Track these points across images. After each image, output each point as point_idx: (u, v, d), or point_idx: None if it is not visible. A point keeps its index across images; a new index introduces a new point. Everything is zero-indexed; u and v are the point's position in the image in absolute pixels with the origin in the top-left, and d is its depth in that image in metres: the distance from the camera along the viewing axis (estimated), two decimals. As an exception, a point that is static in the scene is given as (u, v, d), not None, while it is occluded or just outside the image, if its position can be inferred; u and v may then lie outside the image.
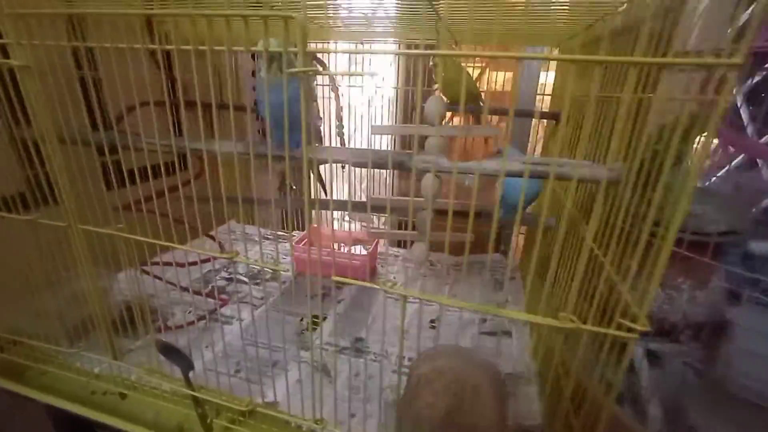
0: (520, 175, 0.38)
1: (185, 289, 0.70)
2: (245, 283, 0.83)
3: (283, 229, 1.12)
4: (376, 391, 0.55)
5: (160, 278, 0.65)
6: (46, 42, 0.36)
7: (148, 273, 0.69)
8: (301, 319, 0.71)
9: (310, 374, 0.57)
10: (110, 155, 0.44)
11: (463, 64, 0.70)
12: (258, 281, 0.84)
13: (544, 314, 0.34)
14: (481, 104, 0.74)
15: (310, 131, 0.48)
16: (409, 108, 1.07)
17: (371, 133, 0.50)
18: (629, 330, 0.29)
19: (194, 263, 0.74)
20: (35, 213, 0.46)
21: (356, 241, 0.92)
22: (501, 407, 0.42)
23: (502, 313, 0.37)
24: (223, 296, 0.75)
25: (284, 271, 0.40)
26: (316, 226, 0.97)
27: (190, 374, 0.45)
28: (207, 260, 0.81)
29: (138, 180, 0.43)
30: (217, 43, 0.33)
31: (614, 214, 0.36)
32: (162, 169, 0.41)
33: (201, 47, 0.34)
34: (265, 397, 0.52)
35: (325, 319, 0.71)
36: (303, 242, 0.89)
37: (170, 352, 0.41)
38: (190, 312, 0.69)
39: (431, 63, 0.66)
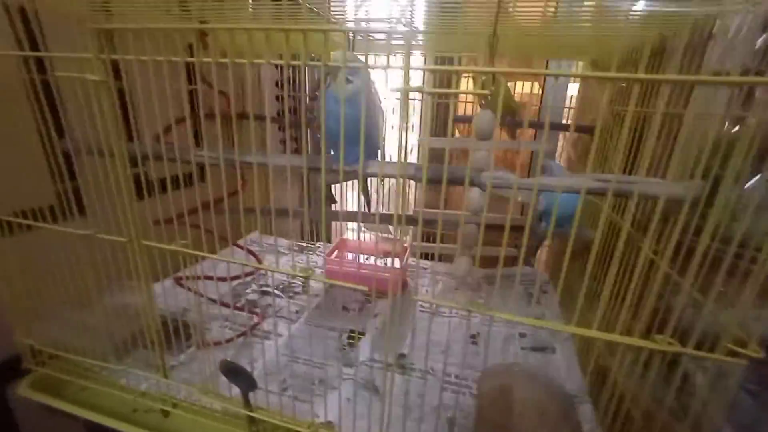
0: (597, 192, 0.38)
1: (224, 304, 0.69)
2: (279, 296, 0.82)
3: (303, 240, 1.12)
4: (428, 409, 0.54)
5: (201, 294, 0.64)
6: (126, 57, 0.36)
7: (182, 286, 0.68)
8: (340, 335, 0.70)
9: (359, 392, 0.56)
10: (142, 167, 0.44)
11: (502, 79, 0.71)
12: (290, 295, 0.83)
13: (600, 330, 0.33)
14: (518, 118, 0.75)
15: (376, 145, 0.48)
16: (440, 120, 1.07)
17: (427, 146, 0.50)
18: (736, 355, 0.28)
19: (237, 277, 0.73)
20: (91, 227, 0.45)
21: (386, 254, 0.92)
22: (569, 427, 0.42)
23: (580, 332, 0.36)
24: (257, 310, 0.74)
25: (325, 283, 0.39)
26: (345, 237, 0.96)
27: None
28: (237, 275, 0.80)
29: (169, 191, 0.43)
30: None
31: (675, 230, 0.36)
32: (180, 180, 0.41)
33: (257, 60, 0.35)
34: (317, 417, 0.51)
35: (363, 334, 0.70)
36: (334, 254, 0.88)
37: (233, 372, 0.40)
38: (227, 327, 0.68)
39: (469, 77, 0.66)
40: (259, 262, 0.72)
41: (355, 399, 0.54)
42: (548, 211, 0.63)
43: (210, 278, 0.65)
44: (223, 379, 0.48)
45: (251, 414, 0.44)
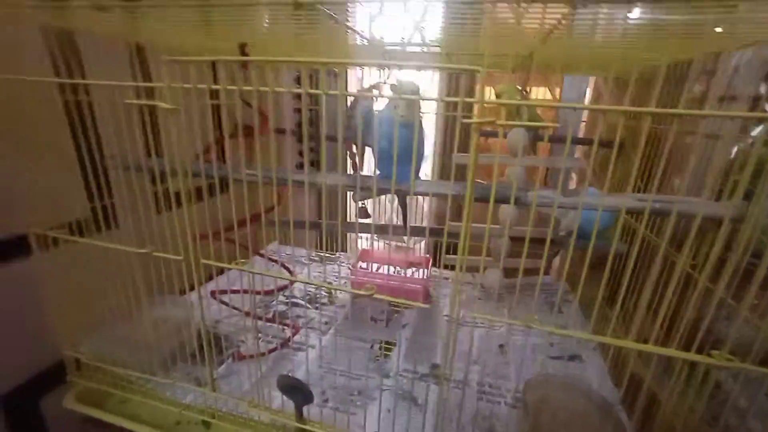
0: (636, 211, 0.40)
1: (260, 318, 0.71)
2: (308, 307, 0.83)
3: (321, 250, 1.13)
4: (466, 419, 0.55)
5: (238, 309, 0.65)
6: (199, 86, 0.38)
7: (218, 299, 0.69)
8: (372, 346, 0.72)
9: (399, 403, 0.57)
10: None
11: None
12: (317, 306, 0.84)
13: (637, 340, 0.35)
14: (540, 133, 0.77)
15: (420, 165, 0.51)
16: (448, 133, 1.09)
17: (454, 162, 0.52)
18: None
19: (271, 291, 0.74)
20: (124, 241, 0.47)
21: (410, 264, 0.93)
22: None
23: (632, 346, 0.38)
24: (288, 322, 0.76)
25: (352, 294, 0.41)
26: (367, 248, 0.98)
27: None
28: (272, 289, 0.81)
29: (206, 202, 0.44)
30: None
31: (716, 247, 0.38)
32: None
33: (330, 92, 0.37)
34: (361, 429, 0.52)
35: (394, 344, 0.72)
36: (359, 265, 0.90)
37: (292, 387, 0.42)
38: (261, 339, 0.69)
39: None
40: (292, 274, 0.74)
41: (395, 410, 0.55)
42: (581, 225, 0.65)
43: (258, 293, 0.66)
44: (268, 390, 0.50)
45: (304, 427, 0.45)
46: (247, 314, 0.65)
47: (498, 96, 0.72)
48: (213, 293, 0.67)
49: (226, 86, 0.39)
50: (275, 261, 0.74)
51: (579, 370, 0.67)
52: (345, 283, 0.92)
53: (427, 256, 0.93)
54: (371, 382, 0.62)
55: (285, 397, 0.46)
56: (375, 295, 0.38)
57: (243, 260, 0.43)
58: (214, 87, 0.38)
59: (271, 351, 0.64)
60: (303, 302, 0.84)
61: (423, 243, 1.19)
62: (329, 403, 0.58)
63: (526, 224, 0.49)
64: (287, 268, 0.76)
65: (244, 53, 0.62)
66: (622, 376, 0.64)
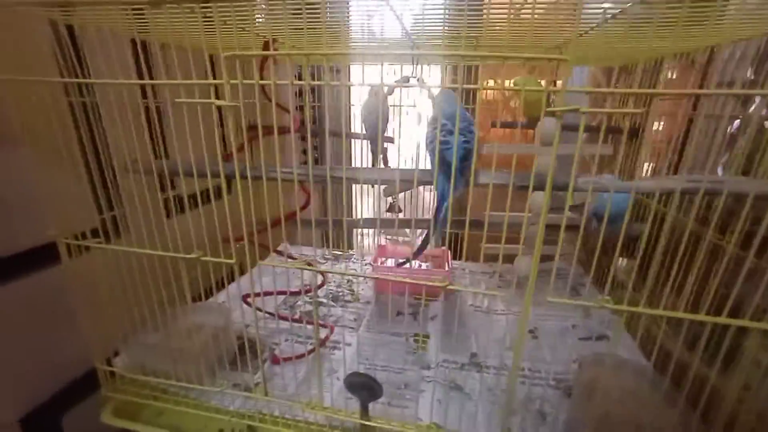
0: (690, 192, 0.42)
1: (295, 320, 0.69)
2: (332, 305, 0.82)
3: (328, 248, 1.12)
4: (518, 405, 0.56)
5: (271, 313, 0.64)
6: (248, 81, 0.37)
7: (249, 304, 0.68)
8: (406, 339, 0.72)
9: (446, 393, 0.58)
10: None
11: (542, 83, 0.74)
12: (342, 304, 0.84)
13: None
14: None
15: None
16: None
17: (485, 152, 0.53)
18: None
19: (298, 292, 0.73)
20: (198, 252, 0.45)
21: (429, 258, 0.94)
22: (669, 409, 0.45)
23: (663, 313, 0.40)
24: (323, 322, 0.75)
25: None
26: (384, 244, 0.98)
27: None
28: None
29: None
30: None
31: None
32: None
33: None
34: (420, 420, 0.53)
35: (428, 337, 0.72)
36: (379, 261, 0.90)
37: (361, 384, 0.42)
38: (293, 341, 0.68)
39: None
40: (324, 275, 0.73)
41: (446, 400, 0.56)
42: (600, 210, 0.67)
43: (296, 292, 0.65)
44: (317, 390, 0.49)
45: (368, 423, 0.45)
46: (282, 318, 0.63)
47: (516, 86, 0.73)
48: (245, 298, 0.65)
49: (309, 81, 0.38)
50: (279, 253, 0.73)
51: (608, 348, 0.70)
52: (366, 279, 0.92)
53: (444, 248, 0.93)
54: (413, 375, 0.62)
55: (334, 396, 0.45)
56: (449, 286, 0.38)
57: (306, 260, 0.42)
58: (264, 82, 0.37)
59: (310, 352, 0.63)
60: (327, 301, 0.83)
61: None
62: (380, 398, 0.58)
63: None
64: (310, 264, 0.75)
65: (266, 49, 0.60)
66: (650, 353, 0.67)
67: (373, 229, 1.07)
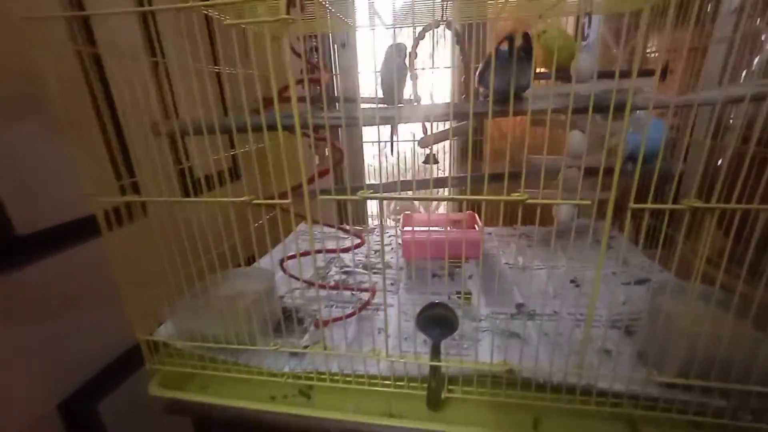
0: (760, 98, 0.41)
1: (334, 287, 0.67)
2: (363, 273, 0.80)
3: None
4: (576, 344, 0.55)
5: (311, 283, 0.61)
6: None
7: (294, 276, 0.65)
8: (448, 297, 0.70)
9: (504, 340, 0.56)
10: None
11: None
12: (374, 271, 0.82)
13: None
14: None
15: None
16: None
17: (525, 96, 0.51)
18: None
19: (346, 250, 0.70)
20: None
21: (453, 223, 0.92)
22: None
23: None
24: (364, 286, 0.72)
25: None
26: (408, 212, 0.95)
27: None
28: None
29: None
30: None
31: None
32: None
33: None
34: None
35: (470, 294, 0.71)
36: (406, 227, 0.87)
37: (436, 318, 0.39)
38: (334, 307, 0.66)
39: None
40: (362, 240, 0.71)
41: (505, 345, 0.54)
42: (635, 151, 0.66)
43: (332, 251, 0.63)
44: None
45: (440, 364, 0.43)
46: (322, 287, 0.61)
47: (537, 37, 0.72)
48: (282, 262, 0.63)
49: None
50: (345, 230, 0.70)
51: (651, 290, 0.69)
52: (394, 247, 0.90)
53: (471, 212, 0.92)
54: (465, 328, 0.60)
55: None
56: (529, 200, 0.36)
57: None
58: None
59: (349, 315, 0.61)
60: (360, 269, 0.81)
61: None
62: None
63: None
64: (357, 235, 0.73)
65: None
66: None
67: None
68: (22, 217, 0.55)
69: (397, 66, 0.69)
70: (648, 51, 0.79)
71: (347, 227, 0.72)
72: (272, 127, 0.42)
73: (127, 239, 0.51)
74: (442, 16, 0.62)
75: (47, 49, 0.41)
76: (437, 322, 0.41)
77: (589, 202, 0.37)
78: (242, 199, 0.42)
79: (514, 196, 0.36)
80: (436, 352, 0.43)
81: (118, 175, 0.51)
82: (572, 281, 0.74)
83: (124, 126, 0.59)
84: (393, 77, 0.68)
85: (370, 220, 1.20)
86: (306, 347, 0.55)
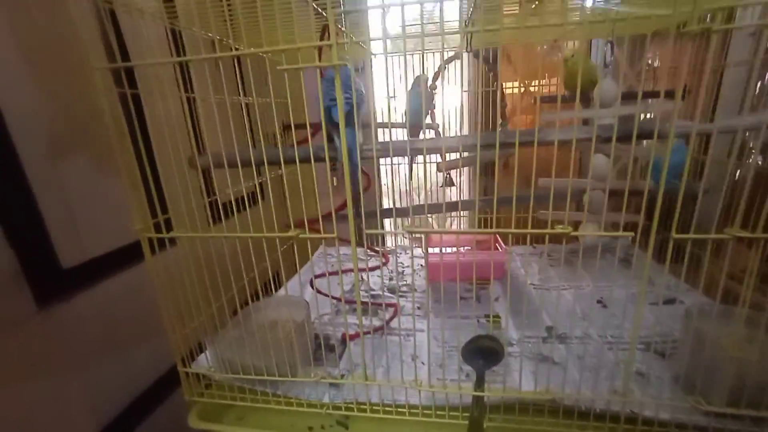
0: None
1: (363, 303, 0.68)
2: (390, 296, 0.81)
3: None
4: (611, 367, 0.55)
5: (336, 298, 0.62)
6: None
7: (321, 292, 0.66)
8: (477, 320, 0.71)
9: (537, 365, 0.56)
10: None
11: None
12: (400, 294, 0.82)
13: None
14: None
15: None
16: (480, 107, 1.11)
17: (544, 119, 0.53)
18: None
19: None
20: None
21: (479, 243, 0.93)
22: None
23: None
24: (391, 301, 0.73)
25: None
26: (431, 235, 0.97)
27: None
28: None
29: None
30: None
31: None
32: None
33: None
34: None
35: (498, 317, 0.71)
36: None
37: (482, 350, 0.40)
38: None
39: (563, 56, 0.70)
40: (385, 258, 0.72)
41: (539, 370, 0.54)
42: (657, 168, 0.67)
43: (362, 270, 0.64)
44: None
45: (484, 395, 0.43)
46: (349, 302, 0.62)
47: (565, 61, 0.74)
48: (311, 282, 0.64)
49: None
50: (375, 251, 0.72)
51: (680, 310, 0.69)
52: (420, 267, 0.91)
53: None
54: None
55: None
56: (573, 233, 0.38)
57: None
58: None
59: (377, 330, 0.61)
60: (386, 292, 0.82)
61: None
62: (470, 376, 0.56)
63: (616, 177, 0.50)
64: (382, 253, 0.74)
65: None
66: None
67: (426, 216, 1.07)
68: (68, 250, 0.57)
69: (418, 95, 0.72)
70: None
71: (376, 249, 0.73)
72: (305, 160, 0.44)
73: (165, 269, 0.52)
74: (467, 46, 0.64)
75: (107, 94, 0.43)
76: (482, 353, 0.41)
77: (631, 234, 0.37)
78: (288, 234, 0.43)
79: (559, 230, 0.38)
80: (480, 382, 0.43)
81: (154, 209, 0.53)
82: (599, 301, 0.74)
83: (158, 161, 0.61)
84: (418, 106, 0.71)
85: (389, 239, 1.21)
86: (343, 376, 0.56)
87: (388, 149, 0.49)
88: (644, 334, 0.62)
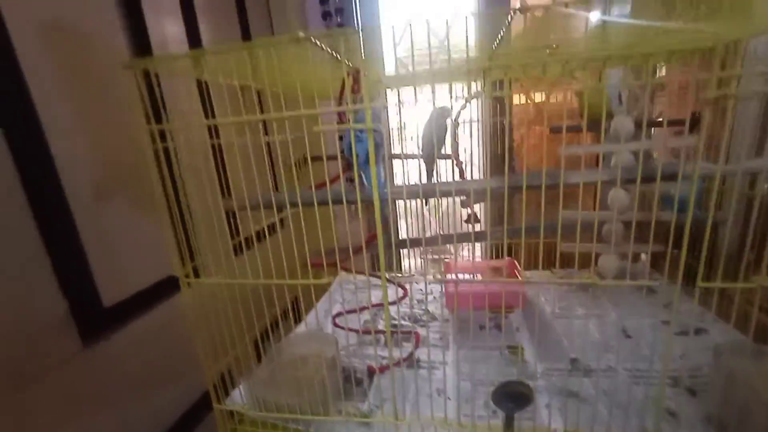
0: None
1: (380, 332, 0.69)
2: (410, 327, 0.82)
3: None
4: (639, 404, 0.55)
5: (356, 330, 0.64)
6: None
7: (340, 326, 0.68)
8: (500, 352, 0.71)
9: (564, 400, 0.57)
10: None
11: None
12: (422, 324, 0.83)
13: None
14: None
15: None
16: (497, 135, 1.13)
17: (564, 153, 0.54)
18: None
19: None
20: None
21: (494, 270, 0.94)
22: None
23: None
24: (415, 330, 0.74)
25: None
26: (448, 260, 0.98)
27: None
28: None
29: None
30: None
31: None
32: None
33: None
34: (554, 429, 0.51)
35: (521, 347, 0.71)
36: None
37: (512, 395, 0.41)
38: (385, 361, 0.68)
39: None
40: (405, 291, 0.73)
41: (565, 407, 0.55)
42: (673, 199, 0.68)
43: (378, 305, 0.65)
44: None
45: (513, 434, 0.44)
46: (376, 332, 0.63)
47: (579, 94, 0.76)
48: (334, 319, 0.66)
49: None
50: (392, 282, 0.73)
51: (710, 341, 0.68)
52: (435, 297, 0.92)
53: (510, 258, 0.93)
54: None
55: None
56: (597, 283, 0.39)
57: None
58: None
59: (405, 359, 0.62)
60: (405, 321, 0.83)
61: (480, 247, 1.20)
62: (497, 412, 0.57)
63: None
64: (401, 286, 0.75)
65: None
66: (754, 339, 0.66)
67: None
68: (108, 289, 0.60)
69: (438, 127, 0.74)
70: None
71: (395, 276, 0.75)
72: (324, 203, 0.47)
73: (202, 307, 0.55)
74: (483, 86, 0.67)
75: (150, 149, 0.47)
76: (512, 397, 0.42)
77: (657, 283, 0.38)
78: (326, 280, 0.45)
79: (585, 278, 0.39)
80: (509, 423, 0.44)
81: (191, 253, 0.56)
82: (622, 331, 0.74)
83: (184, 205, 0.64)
84: (434, 137, 0.73)
85: (406, 265, 1.23)
86: (372, 412, 0.57)
87: (406, 192, 0.51)
88: (672, 367, 0.62)
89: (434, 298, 0.94)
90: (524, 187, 0.45)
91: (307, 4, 1.20)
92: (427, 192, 0.52)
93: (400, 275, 1.10)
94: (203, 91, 0.52)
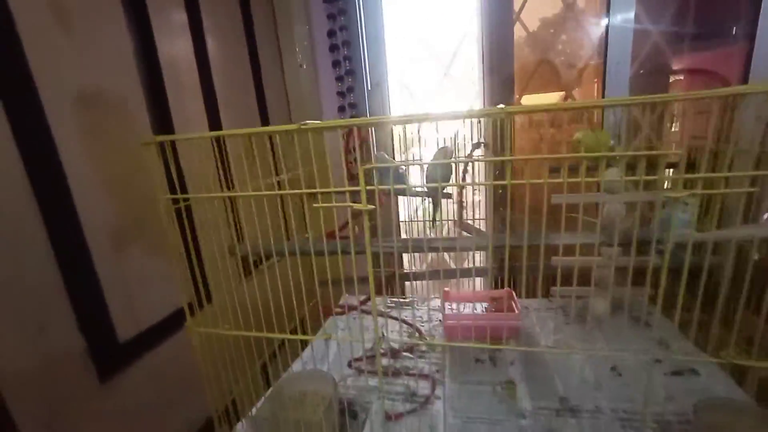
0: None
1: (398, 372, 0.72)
2: (410, 357, 0.85)
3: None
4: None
5: (362, 370, 0.67)
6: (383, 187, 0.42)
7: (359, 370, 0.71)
8: (493, 388, 0.74)
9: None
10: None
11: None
12: (419, 354, 0.86)
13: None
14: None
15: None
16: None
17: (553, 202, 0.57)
18: None
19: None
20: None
21: (492, 300, 0.96)
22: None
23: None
24: (424, 373, 0.77)
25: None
26: (447, 290, 1.01)
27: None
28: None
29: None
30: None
31: None
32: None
33: None
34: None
35: (514, 383, 0.74)
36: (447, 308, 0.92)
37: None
38: (386, 398, 0.71)
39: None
40: (419, 332, 0.76)
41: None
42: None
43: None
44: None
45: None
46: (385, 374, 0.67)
47: (577, 143, 0.78)
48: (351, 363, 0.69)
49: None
50: (394, 318, 0.76)
51: (700, 383, 0.70)
52: (434, 326, 0.95)
53: (508, 289, 0.96)
54: (509, 426, 0.64)
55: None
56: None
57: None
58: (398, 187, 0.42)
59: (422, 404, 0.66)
60: (405, 352, 0.86)
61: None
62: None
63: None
64: (411, 324, 0.78)
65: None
66: (743, 383, 0.67)
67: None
68: (124, 326, 0.65)
69: (442, 167, 0.77)
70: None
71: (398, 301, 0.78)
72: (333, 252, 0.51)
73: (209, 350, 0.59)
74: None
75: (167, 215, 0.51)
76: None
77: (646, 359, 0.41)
78: (318, 337, 0.49)
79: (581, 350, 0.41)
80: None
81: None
82: (612, 368, 0.75)
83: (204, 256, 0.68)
84: (438, 177, 0.76)
85: (408, 287, 1.26)
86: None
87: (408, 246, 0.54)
88: (657, 411, 0.64)
89: (433, 326, 0.97)
90: (525, 247, 0.48)
91: (311, 6, 1.24)
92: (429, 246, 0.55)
93: (403, 299, 1.13)
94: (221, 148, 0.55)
